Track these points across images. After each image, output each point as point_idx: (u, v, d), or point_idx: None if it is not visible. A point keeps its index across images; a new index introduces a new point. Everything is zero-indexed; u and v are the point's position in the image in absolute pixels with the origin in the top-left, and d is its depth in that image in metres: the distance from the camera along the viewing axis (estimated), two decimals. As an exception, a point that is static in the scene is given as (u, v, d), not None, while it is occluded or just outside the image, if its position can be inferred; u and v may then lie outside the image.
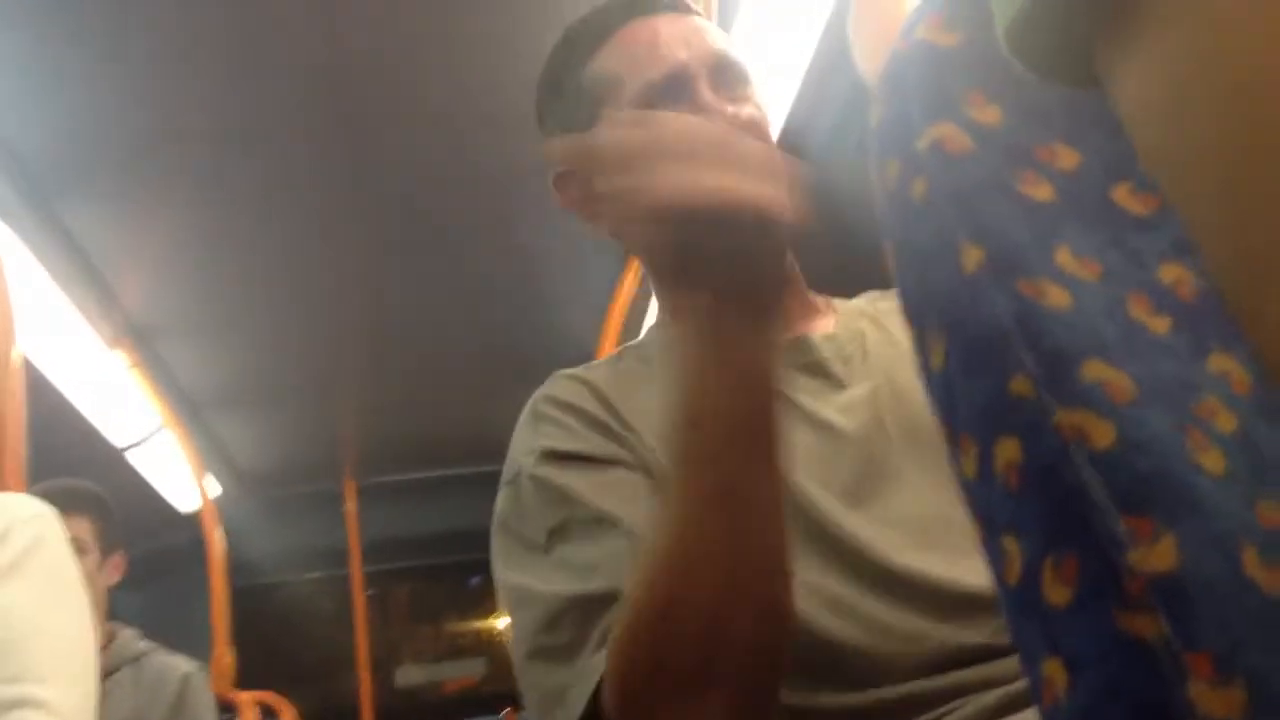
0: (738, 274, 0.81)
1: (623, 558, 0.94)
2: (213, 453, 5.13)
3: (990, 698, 0.88)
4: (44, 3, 2.39)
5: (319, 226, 3.52)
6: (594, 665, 0.89)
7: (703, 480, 0.82)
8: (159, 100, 2.80)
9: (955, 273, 0.49)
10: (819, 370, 1.12)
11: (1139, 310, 0.50)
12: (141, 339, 3.90)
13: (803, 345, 1.13)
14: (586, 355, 3.84)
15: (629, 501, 0.98)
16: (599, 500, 0.99)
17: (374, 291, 4.02)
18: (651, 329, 1.23)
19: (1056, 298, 0.48)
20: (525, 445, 1.07)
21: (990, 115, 0.55)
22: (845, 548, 0.97)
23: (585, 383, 1.11)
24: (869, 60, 0.69)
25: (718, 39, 1.16)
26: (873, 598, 0.94)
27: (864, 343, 1.15)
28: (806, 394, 1.08)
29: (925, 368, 0.52)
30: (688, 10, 1.19)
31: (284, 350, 4.36)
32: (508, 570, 1.04)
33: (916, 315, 0.53)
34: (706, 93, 1.10)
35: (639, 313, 3.73)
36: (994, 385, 0.47)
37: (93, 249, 3.35)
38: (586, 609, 0.93)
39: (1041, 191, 0.53)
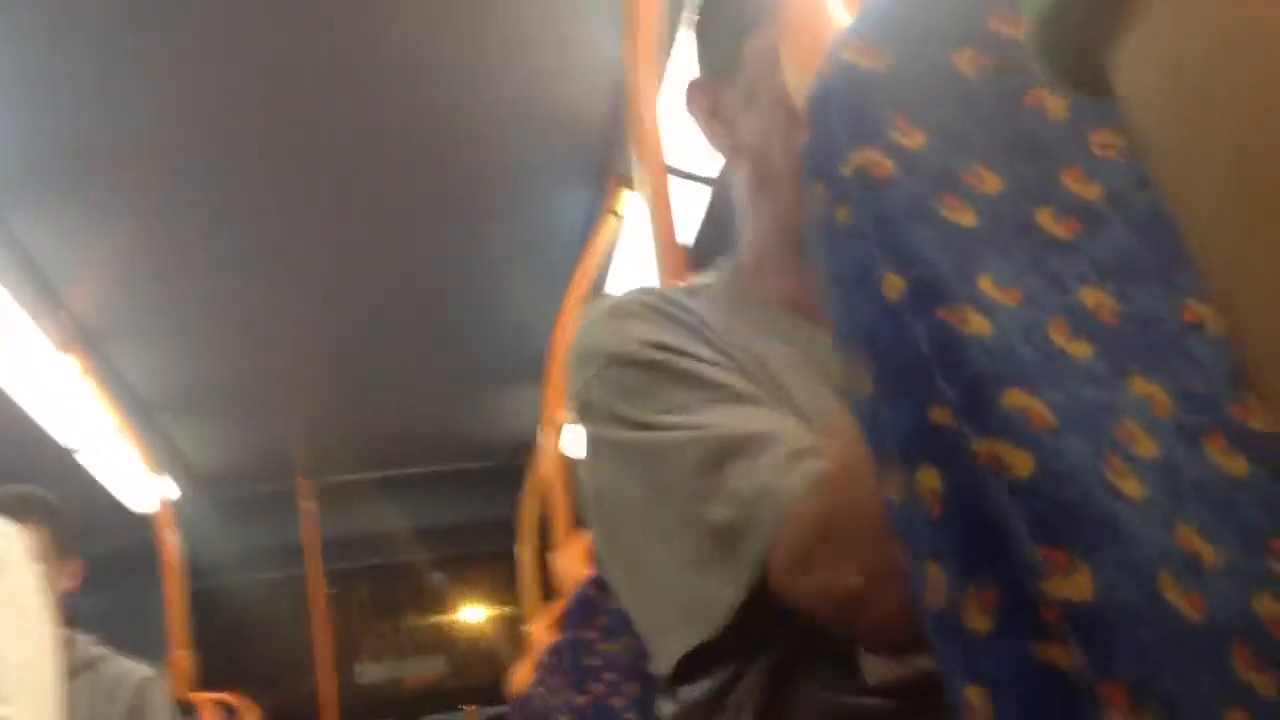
0: None
1: (764, 419, 0.87)
2: (168, 455, 5.09)
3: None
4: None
5: (271, 230, 3.50)
6: (776, 484, 0.81)
7: None
8: (111, 107, 2.78)
9: (878, 301, 0.50)
10: None
11: (1059, 335, 0.51)
12: (93, 343, 3.86)
13: None
14: (539, 355, 3.83)
15: (755, 386, 0.92)
16: (724, 379, 0.92)
17: (327, 293, 4.00)
18: (724, 264, 1.14)
19: (977, 325, 0.49)
20: (616, 337, 0.97)
21: (915, 140, 0.55)
22: None
23: (667, 297, 1.02)
24: (798, 81, 0.69)
25: None
26: None
27: None
28: None
29: (854, 394, 0.52)
30: None
31: (238, 353, 4.34)
32: (621, 437, 0.94)
33: (844, 342, 0.53)
34: None
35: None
36: (915, 414, 0.47)
37: (42, 254, 3.32)
38: (740, 445, 0.85)
39: (965, 217, 0.53)
